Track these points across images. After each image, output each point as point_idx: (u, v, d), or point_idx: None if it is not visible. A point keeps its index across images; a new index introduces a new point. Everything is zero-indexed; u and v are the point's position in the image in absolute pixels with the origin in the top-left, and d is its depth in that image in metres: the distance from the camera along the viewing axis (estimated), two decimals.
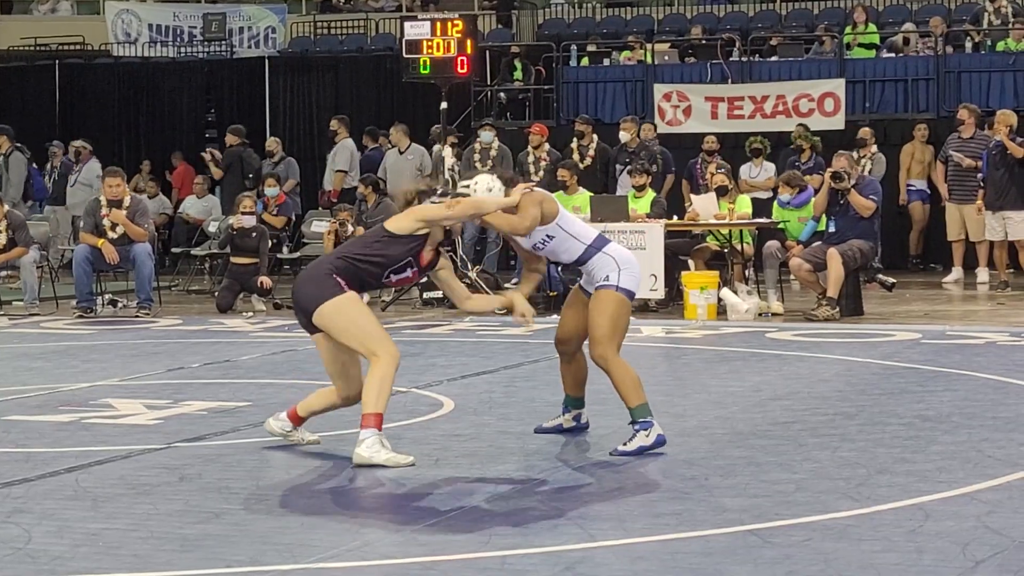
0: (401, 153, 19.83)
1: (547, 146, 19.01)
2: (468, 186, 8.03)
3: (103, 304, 16.37)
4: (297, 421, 8.17)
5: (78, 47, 28.98)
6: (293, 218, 19.66)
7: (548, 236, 8.01)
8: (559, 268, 16.43)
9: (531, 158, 18.81)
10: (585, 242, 8.06)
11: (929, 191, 20.05)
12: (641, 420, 7.89)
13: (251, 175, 21.40)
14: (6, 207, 16.86)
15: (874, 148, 19.45)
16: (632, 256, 8.21)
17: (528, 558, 5.78)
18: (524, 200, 7.94)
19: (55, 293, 17.23)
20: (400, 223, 7.81)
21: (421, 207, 7.86)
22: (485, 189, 7.98)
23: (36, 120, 25.57)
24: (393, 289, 16.93)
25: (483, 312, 8.40)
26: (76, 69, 26.95)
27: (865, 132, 19.51)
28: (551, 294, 16.09)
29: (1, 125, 21.24)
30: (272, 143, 21.53)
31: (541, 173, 18.57)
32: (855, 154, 19.06)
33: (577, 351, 8.31)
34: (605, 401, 9.52)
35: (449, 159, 17.79)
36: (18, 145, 20.77)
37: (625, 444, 7.88)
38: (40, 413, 9.42)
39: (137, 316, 15.75)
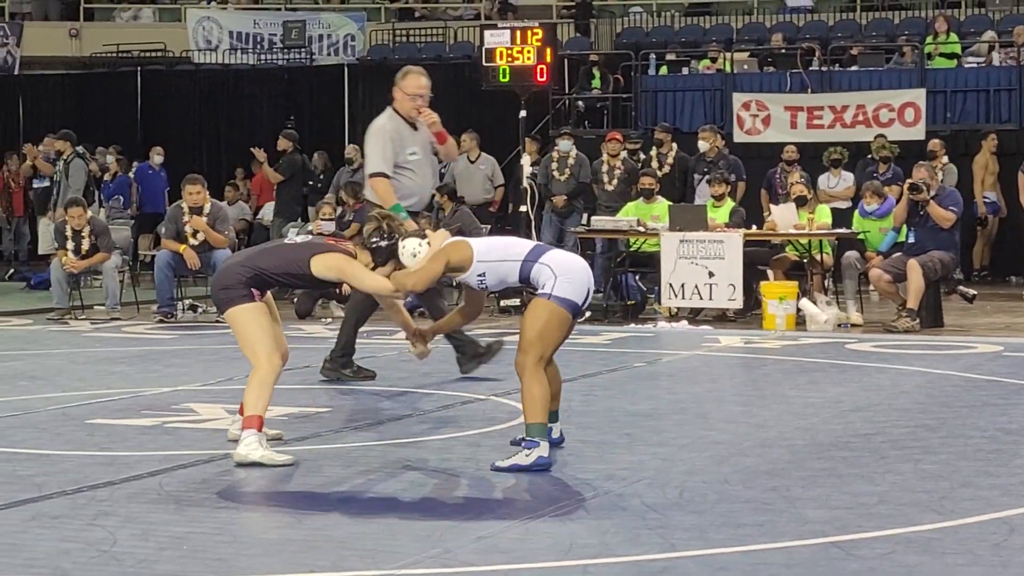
0: (472, 162, 19.78)
1: (624, 154, 18.99)
2: (397, 241, 7.78)
3: (183, 309, 16.53)
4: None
5: (160, 54, 29.29)
6: None
7: (480, 275, 7.84)
8: (636, 277, 16.41)
9: (605, 167, 18.79)
10: (519, 259, 7.82)
11: (998, 203, 19.91)
12: (529, 439, 7.70)
13: (311, 182, 21.43)
14: (89, 213, 17.06)
15: (945, 159, 19.30)
16: (575, 263, 7.91)
17: (609, 567, 5.78)
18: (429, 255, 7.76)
19: (136, 298, 17.42)
20: (323, 271, 7.92)
21: (346, 267, 7.87)
22: (410, 254, 7.76)
23: (118, 126, 25.86)
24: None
25: (395, 317, 8.37)
26: (158, 76, 27.28)
27: (935, 144, 19.35)
28: (629, 303, 16.07)
29: (63, 130, 20.69)
30: (351, 150, 21.61)
31: (615, 182, 18.57)
32: None
33: (549, 363, 8.12)
34: (684, 411, 9.54)
35: (528, 167, 17.81)
36: (79, 151, 20.09)
37: (504, 460, 7.72)
38: (123, 417, 9.50)
39: (217, 321, 15.80)
